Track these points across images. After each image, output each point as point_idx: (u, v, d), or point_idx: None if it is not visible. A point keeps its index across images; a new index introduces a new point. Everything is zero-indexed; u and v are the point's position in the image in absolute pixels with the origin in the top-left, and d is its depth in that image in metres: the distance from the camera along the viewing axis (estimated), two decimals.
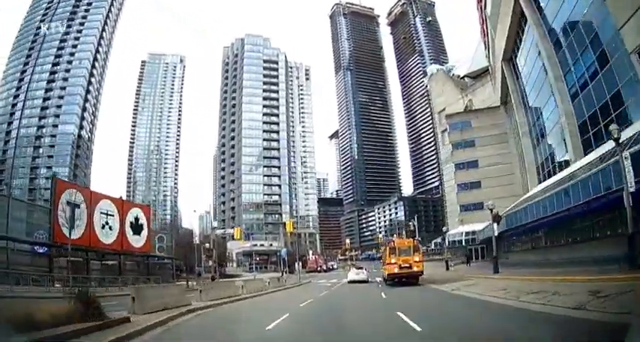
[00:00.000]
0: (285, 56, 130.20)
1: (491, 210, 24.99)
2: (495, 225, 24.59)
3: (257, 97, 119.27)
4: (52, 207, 32.32)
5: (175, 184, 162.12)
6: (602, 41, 24.28)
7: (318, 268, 79.00)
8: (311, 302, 16.90)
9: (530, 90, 36.05)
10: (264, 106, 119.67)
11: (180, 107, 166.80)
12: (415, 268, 24.33)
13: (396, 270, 24.54)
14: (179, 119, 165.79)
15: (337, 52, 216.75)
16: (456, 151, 58.16)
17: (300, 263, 56.89)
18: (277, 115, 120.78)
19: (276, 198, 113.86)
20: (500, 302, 12.44)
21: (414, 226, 54.92)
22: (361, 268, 37.21)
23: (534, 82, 34.68)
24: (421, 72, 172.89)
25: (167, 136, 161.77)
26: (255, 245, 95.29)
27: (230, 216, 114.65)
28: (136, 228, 40.42)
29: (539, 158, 35.01)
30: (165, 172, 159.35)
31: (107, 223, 37.56)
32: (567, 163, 29.12)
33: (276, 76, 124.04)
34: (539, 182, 34.74)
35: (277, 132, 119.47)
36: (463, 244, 53.79)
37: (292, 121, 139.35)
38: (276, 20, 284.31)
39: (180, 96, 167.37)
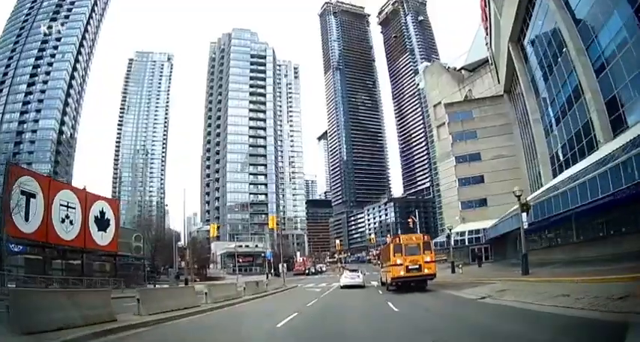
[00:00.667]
0: (274, 51, 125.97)
1: (518, 197, 20.83)
2: (524, 215, 20.40)
3: (243, 93, 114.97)
4: (4, 195, 27.78)
5: (162, 184, 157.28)
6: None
7: (306, 271, 74.89)
8: (295, 318, 12.19)
9: (542, 70, 32.41)
10: (251, 102, 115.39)
11: (167, 106, 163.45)
12: (426, 271, 19.94)
13: (402, 273, 20.04)
14: (166, 118, 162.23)
15: (327, 51, 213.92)
16: (457, 144, 54.08)
17: (285, 265, 52.26)
18: (264, 111, 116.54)
19: (262, 197, 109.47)
20: (581, 315, 8.15)
21: (414, 223, 50.00)
22: (356, 270, 31.98)
23: (549, 60, 31.07)
24: (412, 71, 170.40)
25: (153, 136, 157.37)
26: (241, 246, 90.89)
27: (215, 216, 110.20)
28: (102, 223, 35.78)
29: (555, 146, 31.25)
30: (151, 172, 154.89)
31: (67, 216, 32.86)
32: (591, 147, 25.51)
33: (264, 71, 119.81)
34: (555, 172, 31.07)
35: (264, 128, 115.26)
36: (466, 243, 49.78)
37: (280, 120, 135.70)
38: (265, 20, 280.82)
39: (168, 95, 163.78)
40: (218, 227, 45.89)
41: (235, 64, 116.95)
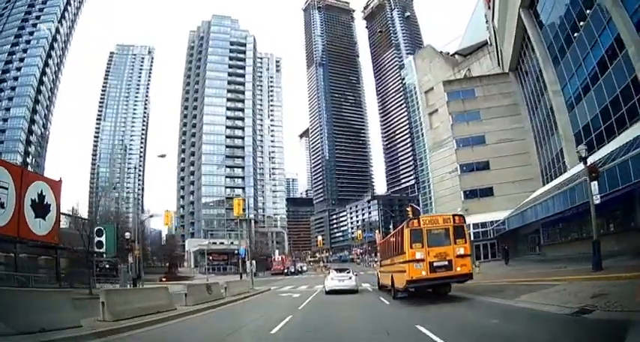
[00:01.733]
0: (255, 39, 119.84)
1: (584, 158, 15.35)
2: (594, 184, 14.61)
3: (221, 81, 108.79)
4: None
5: (139, 180, 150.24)
6: None
7: (285, 270, 69.14)
8: None
9: (564, 33, 27.78)
10: (229, 91, 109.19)
11: (146, 100, 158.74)
12: (459, 269, 13.77)
13: (425, 272, 13.62)
14: (145, 113, 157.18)
15: (310, 47, 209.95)
16: (458, 125, 48.67)
17: (255, 263, 45.88)
18: (243, 101, 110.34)
19: (239, 192, 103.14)
20: None
21: (414, 212, 43.78)
22: (345, 269, 24.71)
23: (572, 20, 26.56)
24: (397, 67, 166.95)
25: (132, 131, 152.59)
26: (215, 243, 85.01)
27: (189, 211, 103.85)
28: (40, 209, 29.28)
29: (582, 120, 26.47)
30: (129, 168, 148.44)
31: None
32: (634, 114, 21.02)
33: (244, 60, 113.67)
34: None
35: (242, 119, 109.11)
36: (471, 238, 44.16)
37: (260, 113, 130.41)
38: (248, 14, 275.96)
39: (147, 89, 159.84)
40: (170, 215, 39.35)
41: (214, 52, 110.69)
